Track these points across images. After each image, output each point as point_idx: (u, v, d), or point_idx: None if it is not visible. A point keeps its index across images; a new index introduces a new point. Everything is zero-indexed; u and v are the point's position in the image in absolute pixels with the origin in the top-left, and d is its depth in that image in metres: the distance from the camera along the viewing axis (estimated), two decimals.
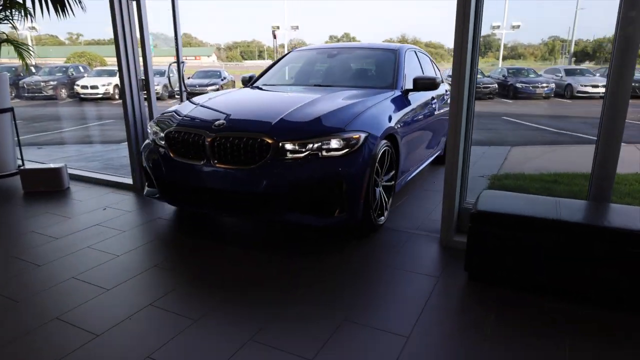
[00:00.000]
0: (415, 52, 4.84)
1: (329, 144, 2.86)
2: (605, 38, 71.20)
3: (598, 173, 2.86)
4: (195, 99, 3.73)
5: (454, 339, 2.09)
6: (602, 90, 18.82)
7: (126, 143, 4.56)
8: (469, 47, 2.84)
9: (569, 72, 20.90)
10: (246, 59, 74.56)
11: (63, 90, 17.98)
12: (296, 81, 4.54)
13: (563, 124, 10.85)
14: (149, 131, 3.46)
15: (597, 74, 21.29)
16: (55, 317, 2.26)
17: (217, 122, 3.01)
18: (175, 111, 3.45)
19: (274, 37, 27.05)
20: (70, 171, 4.83)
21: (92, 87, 17.34)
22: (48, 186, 4.46)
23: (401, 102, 3.79)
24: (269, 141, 2.83)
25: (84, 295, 2.49)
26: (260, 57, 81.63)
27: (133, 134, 4.37)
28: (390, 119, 3.39)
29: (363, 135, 2.98)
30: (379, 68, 4.41)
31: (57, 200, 4.21)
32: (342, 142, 2.89)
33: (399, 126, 3.52)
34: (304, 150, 2.84)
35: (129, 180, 4.56)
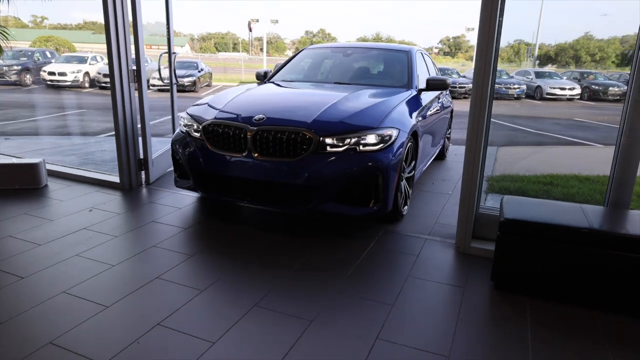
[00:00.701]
0: (421, 53, 5.10)
1: (365, 139, 3.04)
2: (566, 43, 74.06)
3: (618, 178, 2.81)
4: (225, 94, 3.83)
5: (497, 356, 1.97)
6: (569, 92, 19.55)
7: (105, 135, 4.24)
8: (493, 52, 2.73)
9: (538, 75, 21.48)
10: (220, 51, 73.05)
11: (28, 76, 16.88)
12: (316, 78, 4.68)
13: (539, 125, 11.05)
14: (181, 123, 3.54)
15: (564, 77, 22.02)
16: (48, 342, 1.98)
17: (257, 117, 3.14)
18: (209, 104, 3.55)
19: (250, 29, 26.50)
20: (47, 166, 4.45)
21: (60, 74, 16.33)
22: (24, 183, 4.08)
23: (417, 100, 4.00)
24: (310, 136, 2.98)
25: (79, 314, 2.21)
26: (235, 49, 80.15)
27: (122, 129, 4.05)
28: (412, 116, 3.60)
29: (395, 132, 3.19)
30: (394, 68, 4.64)
31: (35, 199, 3.85)
32: (377, 137, 3.08)
33: (418, 123, 3.71)
34: (342, 144, 3.01)
35: (116, 178, 4.23)
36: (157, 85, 13.12)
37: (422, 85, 4.28)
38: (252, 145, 3.07)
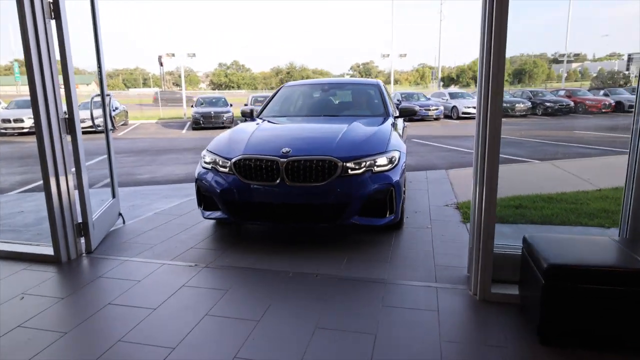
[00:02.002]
0: (382, 84, 5.82)
1: (378, 161, 3.64)
2: (464, 65, 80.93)
3: (636, 207, 2.69)
4: (237, 132, 4.23)
5: None
6: None
7: (18, 192, 3.46)
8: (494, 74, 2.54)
9: (453, 96, 22.86)
10: (130, 87, 69.51)
11: None
12: (306, 112, 5.23)
13: (467, 143, 11.48)
14: (206, 160, 3.90)
15: (475, 97, 23.64)
16: None
17: (284, 150, 3.57)
18: (229, 143, 3.94)
19: (161, 64, 25.41)
20: None
21: (16, 121, 15.40)
22: None
23: (396, 126, 4.70)
24: (336, 162, 3.50)
25: None
26: (146, 84, 76.86)
27: (55, 189, 3.30)
28: (401, 140, 4.31)
29: (397, 154, 3.83)
30: (370, 99, 5.38)
31: None
32: (387, 159, 3.70)
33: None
34: (360, 167, 3.56)
35: (48, 249, 3.43)
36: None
37: (396, 112, 5.02)
38: (284, 174, 3.49)
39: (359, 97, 5.56)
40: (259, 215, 3.67)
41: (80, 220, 3.51)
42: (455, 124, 19.05)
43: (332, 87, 5.79)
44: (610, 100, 22.33)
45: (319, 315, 2.56)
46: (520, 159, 8.63)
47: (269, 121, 4.74)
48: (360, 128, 4.16)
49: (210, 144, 4.12)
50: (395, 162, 3.73)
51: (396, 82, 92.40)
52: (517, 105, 21.43)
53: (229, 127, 18.45)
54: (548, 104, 21.89)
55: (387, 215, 3.66)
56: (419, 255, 3.49)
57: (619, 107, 22.37)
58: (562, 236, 2.59)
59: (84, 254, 3.54)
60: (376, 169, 3.60)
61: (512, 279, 2.74)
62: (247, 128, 4.31)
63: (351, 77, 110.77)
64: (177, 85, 78.26)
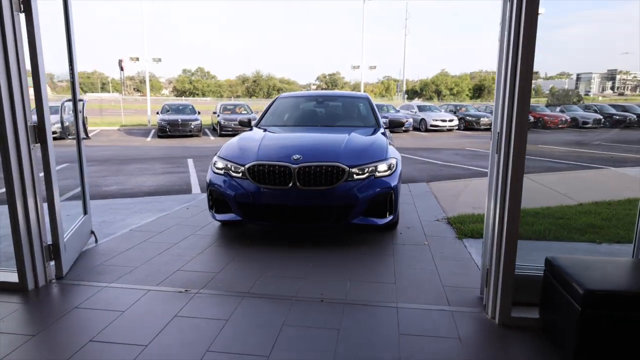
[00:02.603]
0: (371, 98, 6.12)
1: (379, 167, 4.01)
2: (428, 79, 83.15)
3: None
4: (246, 139, 4.54)
5: None
6: (449, 124, 21.30)
7: None
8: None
9: (421, 108, 23.22)
10: (87, 92, 66.66)
11: None
12: (305, 122, 5.58)
13: (442, 156, 11.56)
14: (218, 166, 4.15)
15: (442, 110, 24.12)
16: None
17: (295, 156, 3.87)
18: (240, 150, 4.23)
19: (122, 68, 24.49)
20: None
21: None
22: None
23: (387, 135, 5.10)
24: (343, 168, 3.84)
25: None
26: (104, 89, 74.01)
27: (21, 207, 2.90)
28: (394, 148, 4.59)
29: (394, 161, 4.21)
30: (362, 112, 5.76)
31: None
32: (387, 166, 4.07)
33: None
34: (364, 173, 3.93)
35: (12, 276, 2.99)
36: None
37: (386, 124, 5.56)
38: (296, 178, 3.79)
39: (350, 109, 5.94)
40: (271, 216, 3.96)
41: (49, 242, 3.11)
42: (424, 136, 19.29)
43: (326, 99, 6.22)
44: (567, 116, 23.34)
45: (334, 348, 2.31)
46: None
47: (271, 130, 5.00)
48: (360, 138, 4.52)
49: (221, 151, 4.37)
50: (394, 169, 4.13)
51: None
52: (481, 119, 22.03)
53: (197, 136, 17.96)
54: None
55: (387, 216, 4.05)
56: (424, 275, 3.31)
57: (574, 123, 23.44)
58: (587, 258, 2.47)
59: (54, 280, 3.14)
60: (377, 174, 3.99)
61: (530, 301, 2.60)
62: (254, 136, 4.62)
63: (317, 87, 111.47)
64: (139, 91, 75.93)
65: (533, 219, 4.85)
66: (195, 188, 7.08)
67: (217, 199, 4.12)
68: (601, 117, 23.74)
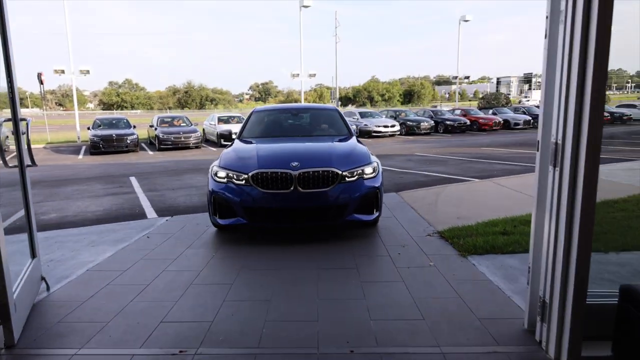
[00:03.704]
0: (339, 109, 6.74)
1: (366, 170, 4.53)
2: (360, 85, 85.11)
3: None
4: (242, 151, 4.94)
5: None
6: (391, 129, 21.55)
7: None
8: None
9: (363, 115, 23.34)
10: (3, 108, 60.53)
11: None
12: (285, 133, 6.00)
13: (396, 163, 11.48)
14: (220, 175, 4.48)
15: (383, 116, 24.42)
16: None
17: (294, 164, 4.29)
18: (240, 160, 4.61)
19: (42, 82, 22.38)
20: None
21: None
22: None
23: (361, 142, 5.47)
24: (337, 172, 4.34)
25: None
26: (23, 105, 67.66)
27: None
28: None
29: (376, 164, 4.74)
30: (334, 121, 6.21)
31: None
32: (371, 168, 4.59)
33: None
34: (353, 175, 4.43)
35: None
36: None
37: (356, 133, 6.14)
38: (296, 182, 4.23)
39: (324, 120, 6.35)
40: (275, 218, 4.40)
41: None
42: (369, 142, 19.33)
43: (300, 112, 6.62)
44: (499, 118, 24.60)
45: None
46: (459, 177, 8.70)
47: (256, 142, 5.33)
48: (343, 145, 5.12)
49: (221, 161, 4.71)
50: (377, 171, 4.67)
51: (295, 101, 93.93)
52: (422, 123, 22.55)
53: (134, 151, 16.66)
54: (448, 122, 23.41)
55: (374, 212, 4.62)
56: (450, 304, 2.98)
57: (506, 125, 24.76)
58: None
59: (2, 351, 2.43)
60: (365, 176, 4.52)
61: (594, 335, 2.33)
62: (248, 147, 5.05)
63: (251, 96, 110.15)
64: (61, 105, 70.46)
65: (526, 228, 4.71)
66: (150, 212, 6.32)
67: (221, 205, 4.46)
68: (530, 118, 25.31)
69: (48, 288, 3.29)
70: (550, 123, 2.31)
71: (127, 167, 12.12)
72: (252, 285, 3.37)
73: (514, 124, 24.74)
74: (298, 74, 24.95)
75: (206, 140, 19.49)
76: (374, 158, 4.82)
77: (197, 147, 17.06)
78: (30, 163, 3.06)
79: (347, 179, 4.36)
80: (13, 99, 2.97)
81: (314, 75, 26.14)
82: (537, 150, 2.47)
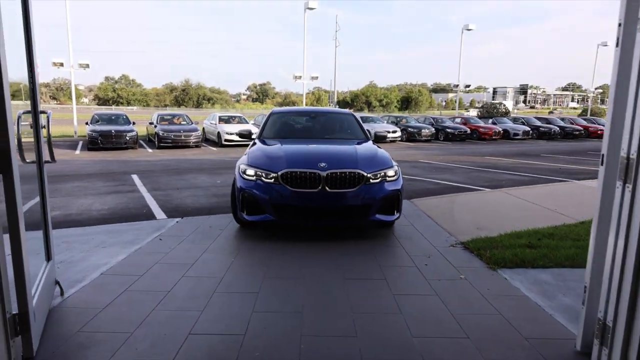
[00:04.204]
0: (355, 114, 6.87)
1: (388, 173, 4.72)
2: (358, 90, 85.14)
3: None
4: (270, 151, 5.02)
5: None
6: (392, 135, 21.40)
7: None
8: None
9: (364, 120, 23.19)
10: None
11: None
12: (305, 135, 6.23)
13: (404, 169, 11.30)
14: (249, 173, 4.64)
15: (384, 121, 24.31)
16: None
17: (322, 164, 4.49)
18: (268, 158, 4.78)
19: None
20: None
21: None
22: None
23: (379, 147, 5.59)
24: (363, 174, 4.53)
25: None
26: (16, 97, 66.66)
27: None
28: None
29: (397, 168, 4.91)
30: (352, 125, 6.39)
31: None
32: (393, 171, 4.79)
33: None
34: (377, 178, 4.62)
35: None
36: None
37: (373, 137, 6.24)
38: (324, 182, 4.39)
39: (341, 124, 6.50)
40: (302, 215, 4.57)
41: (16, 310, 2.22)
42: None
43: (318, 115, 6.79)
44: (499, 128, 24.60)
45: None
46: (469, 186, 8.58)
47: (278, 142, 5.40)
48: (366, 148, 5.25)
49: (249, 160, 4.84)
50: (398, 174, 4.88)
51: (293, 103, 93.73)
52: (423, 130, 22.48)
53: (132, 148, 16.38)
54: (449, 130, 23.36)
55: (395, 214, 4.80)
56: (493, 322, 2.83)
57: (506, 135, 24.77)
58: None
59: None
60: (388, 179, 4.71)
61: None
62: (274, 147, 5.17)
63: (248, 96, 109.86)
64: (55, 99, 69.62)
65: (552, 242, 4.55)
66: (158, 212, 6.11)
67: (249, 202, 4.59)
68: (529, 128, 25.35)
69: (62, 293, 3.09)
70: (621, 136, 2.17)
71: (127, 164, 11.87)
72: (280, 295, 3.19)
73: (514, 134, 24.76)
74: (300, 76, 24.75)
75: (206, 140, 19.24)
76: (394, 162, 4.98)
77: (197, 146, 16.83)
78: (49, 159, 2.87)
79: (371, 180, 4.55)
80: (34, 90, 2.79)
81: (317, 77, 25.97)
82: (602, 165, 2.32)
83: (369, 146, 5.37)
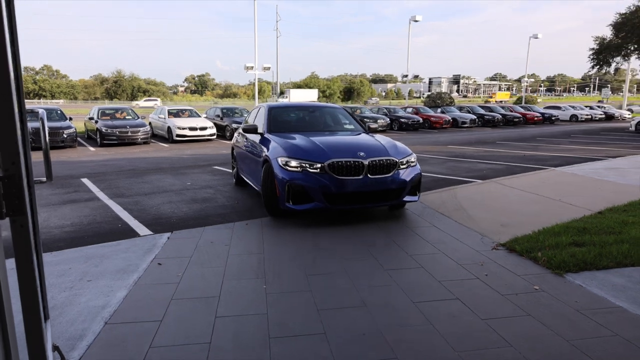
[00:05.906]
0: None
1: (410, 159, 5.40)
2: (301, 81, 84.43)
3: None
4: (299, 143, 5.41)
5: None
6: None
7: None
8: None
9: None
10: None
11: None
12: (310, 128, 6.50)
13: None
14: (293, 164, 4.96)
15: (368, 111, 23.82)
16: None
17: (361, 154, 5.04)
18: (307, 152, 5.09)
19: None
20: None
21: None
22: None
23: None
24: (397, 161, 5.18)
25: None
26: None
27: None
28: None
29: (414, 155, 5.54)
30: (347, 118, 6.95)
31: None
32: (414, 158, 5.49)
33: None
34: (405, 164, 5.28)
35: None
36: None
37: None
38: (367, 170, 4.98)
39: (338, 117, 6.99)
40: (349, 200, 4.97)
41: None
42: None
43: (316, 110, 7.26)
44: (449, 117, 25.06)
45: None
46: (454, 178, 8.31)
47: (287, 135, 5.84)
48: (383, 139, 5.75)
49: (288, 151, 5.13)
50: (415, 160, 5.48)
51: (235, 95, 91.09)
52: (379, 120, 22.32)
53: (71, 147, 14.66)
54: (402, 120, 23.42)
55: (417, 194, 5.44)
56: (618, 349, 2.38)
57: (454, 123, 25.30)
58: None
59: None
60: (411, 164, 5.35)
61: None
62: (301, 139, 5.53)
63: (186, 88, 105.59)
64: None
65: (591, 238, 4.26)
66: (137, 225, 5.14)
67: (296, 192, 4.87)
68: (475, 117, 26.06)
69: None
70: None
71: (71, 166, 10.50)
72: (355, 338, 2.55)
73: (462, 123, 25.33)
74: (252, 67, 23.62)
75: (154, 135, 17.75)
76: (410, 150, 5.56)
77: (146, 143, 15.42)
78: (46, 178, 2.03)
79: (401, 166, 5.17)
80: (19, 87, 1.92)
81: (268, 68, 24.96)
82: None
83: (382, 137, 5.88)
